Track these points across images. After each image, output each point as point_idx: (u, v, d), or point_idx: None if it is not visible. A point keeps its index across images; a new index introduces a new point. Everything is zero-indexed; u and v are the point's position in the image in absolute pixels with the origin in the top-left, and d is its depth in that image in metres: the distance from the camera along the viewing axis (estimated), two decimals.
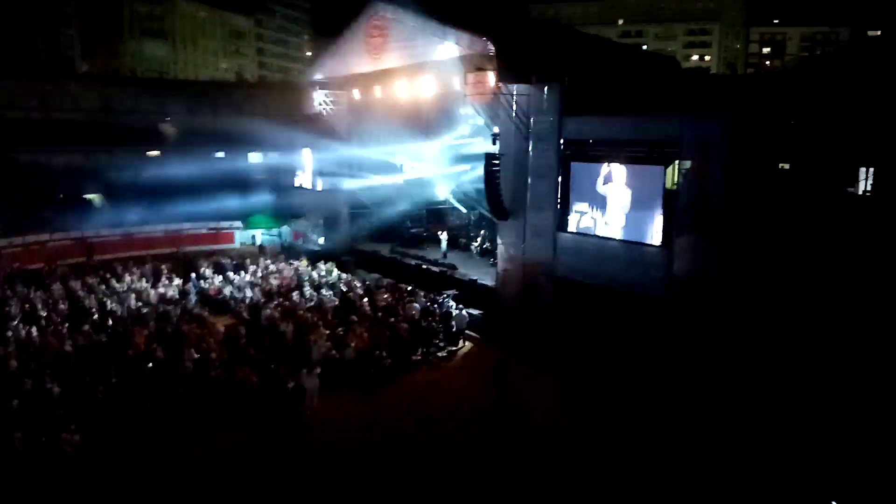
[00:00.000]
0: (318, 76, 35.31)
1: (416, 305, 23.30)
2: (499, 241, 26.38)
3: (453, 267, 29.60)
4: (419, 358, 20.66)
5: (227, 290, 26.03)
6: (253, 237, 41.38)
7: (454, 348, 21.73)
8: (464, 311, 23.08)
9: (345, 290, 26.02)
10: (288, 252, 36.73)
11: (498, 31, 25.24)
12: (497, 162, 24.46)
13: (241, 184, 42.85)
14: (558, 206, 23.54)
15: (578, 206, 23.23)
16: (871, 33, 79.09)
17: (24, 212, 36.49)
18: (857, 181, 19.71)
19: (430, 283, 27.14)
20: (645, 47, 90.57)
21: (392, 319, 21.93)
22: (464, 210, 33.98)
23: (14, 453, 13.64)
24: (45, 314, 22.19)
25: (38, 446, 13.86)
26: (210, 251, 36.64)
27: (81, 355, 18.68)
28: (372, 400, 18.04)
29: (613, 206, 21.90)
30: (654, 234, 20.74)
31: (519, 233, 24.93)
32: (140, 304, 24.05)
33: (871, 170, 19.25)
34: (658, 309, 19.71)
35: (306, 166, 38.74)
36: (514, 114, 24.14)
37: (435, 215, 37.52)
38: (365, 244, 36.03)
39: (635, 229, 21.33)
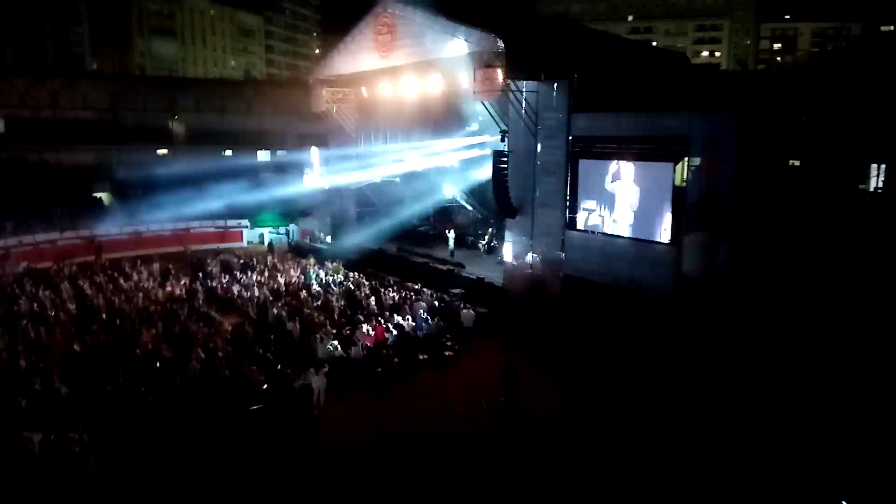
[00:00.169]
0: (326, 74, 35.25)
1: (423, 304, 23.22)
2: (506, 239, 26.28)
3: (461, 265, 29.53)
4: (427, 357, 20.57)
5: (235, 289, 26.05)
6: (261, 236, 41.48)
7: (461, 347, 21.63)
8: (471, 310, 22.97)
9: (352, 288, 25.98)
10: (295, 251, 36.78)
11: (506, 27, 25.08)
12: (505, 159, 24.37)
13: (248, 182, 42.92)
14: (566, 203, 23.39)
15: (587, 204, 23.06)
16: (883, 28, 78.34)
17: (34, 211, 36.70)
18: (868, 178, 19.49)
19: (437, 282, 27.06)
20: (654, 43, 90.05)
21: (399, 318, 21.86)
22: (470, 208, 33.88)
23: (23, 453, 13.67)
24: (53, 314, 22.24)
25: (47, 446, 13.88)
26: (218, 250, 36.68)
27: (89, 355, 18.72)
28: (380, 399, 17.98)
29: (622, 204, 21.73)
30: (663, 232, 20.56)
31: (527, 231, 24.83)
32: (148, 303, 24.08)
33: (883, 166, 19.02)
34: (667, 307, 19.56)
35: (314, 164, 38.75)
36: (522, 111, 24.02)
37: (442, 214, 37.44)
38: (372, 243, 35.98)
39: (644, 227, 21.15)
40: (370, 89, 32.50)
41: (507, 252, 26.21)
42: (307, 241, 40.02)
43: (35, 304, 23.28)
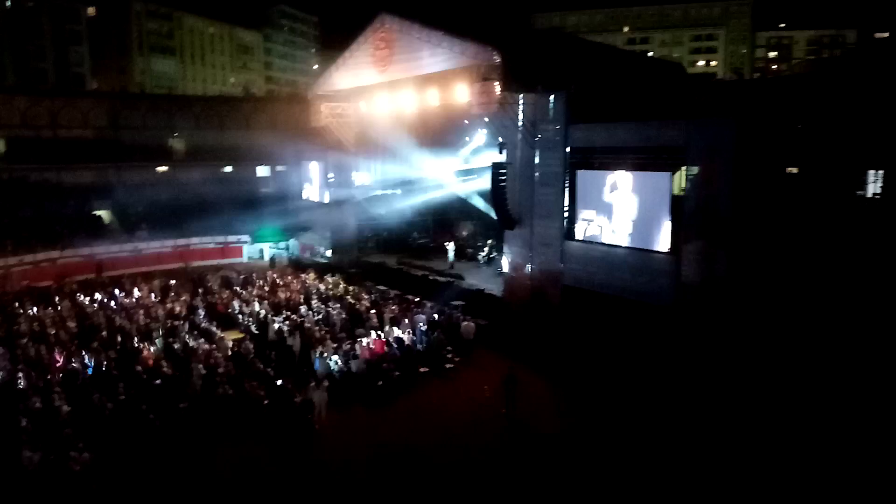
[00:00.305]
0: (325, 89, 35.45)
1: (423, 317, 23.21)
2: (506, 250, 26.31)
3: (460, 277, 29.53)
4: (427, 370, 20.52)
5: (236, 305, 26.04)
6: (261, 251, 41.51)
7: (462, 359, 21.58)
8: (471, 322, 22.94)
9: (352, 302, 25.97)
10: (295, 265, 36.79)
11: (503, 41, 25.24)
12: (504, 171, 24.45)
13: (248, 198, 43.05)
14: (565, 214, 23.44)
15: (585, 214, 23.12)
16: (878, 35, 78.69)
17: (34, 229, 36.76)
18: (866, 184, 19.53)
19: (437, 294, 27.04)
20: (651, 54, 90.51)
21: (399, 331, 21.83)
22: (475, 212, 33.89)
23: (23, 472, 13.62)
24: (53, 332, 22.24)
25: (47, 465, 13.83)
26: (218, 265, 36.70)
27: (90, 372, 18.70)
28: (381, 413, 17.93)
29: (620, 214, 21.78)
30: (662, 241, 20.59)
31: (526, 241, 24.87)
32: (148, 320, 24.07)
33: (881, 172, 19.06)
34: (667, 316, 19.54)
35: (313, 179, 38.84)
36: (520, 123, 24.12)
37: (442, 226, 37.49)
38: (372, 256, 36.03)
39: (643, 236, 21.19)
40: (369, 104, 32.66)
41: (507, 263, 26.23)
42: (307, 255, 40.05)
43: (35, 323, 23.28)
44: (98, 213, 43.42)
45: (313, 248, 40.61)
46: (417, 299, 26.48)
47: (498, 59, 23.54)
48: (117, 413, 15.98)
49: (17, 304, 26.02)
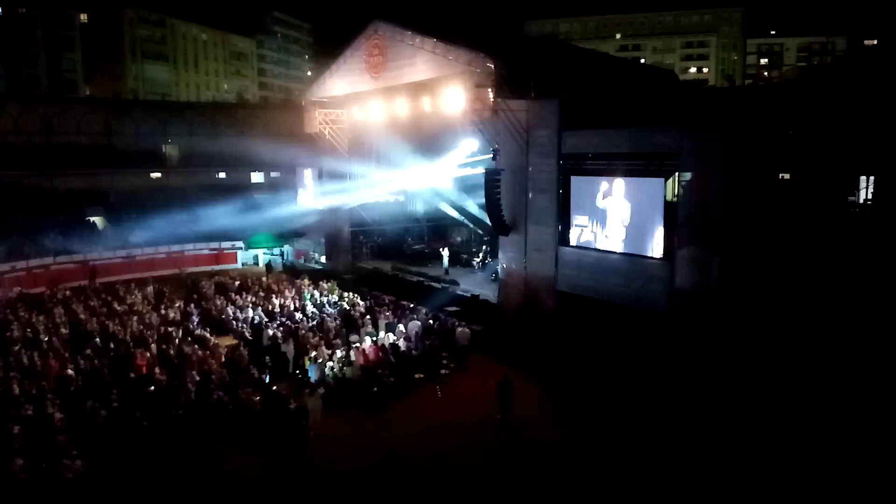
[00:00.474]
0: (318, 95, 35.50)
1: (419, 322, 23.23)
2: (500, 256, 26.37)
3: (455, 283, 29.56)
4: (422, 376, 20.52)
5: (230, 311, 26.00)
6: (255, 257, 41.46)
7: (457, 365, 21.60)
8: (466, 328, 22.97)
9: (347, 308, 25.97)
10: (290, 271, 36.77)
11: (496, 48, 25.39)
12: (498, 177, 24.53)
13: (242, 204, 43.02)
14: (559, 220, 23.52)
15: (579, 220, 23.20)
16: (867, 42, 79.46)
17: (27, 235, 36.63)
18: (857, 190, 19.69)
19: (432, 300, 27.06)
20: (643, 61, 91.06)
21: (394, 337, 21.84)
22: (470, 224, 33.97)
23: (15, 480, 13.53)
24: (46, 339, 22.14)
25: (40, 473, 13.75)
26: (212, 272, 36.65)
27: (83, 379, 18.62)
28: (376, 419, 17.91)
29: (613, 220, 21.86)
30: (655, 247, 20.68)
31: (520, 248, 24.92)
32: (142, 326, 24.01)
33: (872, 178, 19.23)
34: (661, 321, 19.63)
35: (308, 185, 38.87)
36: (513, 129, 24.21)
37: (436, 232, 37.56)
38: (366, 262, 36.03)
39: (636, 242, 21.27)
40: (362, 110, 32.72)
41: (502, 269, 26.29)
42: (302, 261, 40.03)
43: (28, 330, 23.18)
44: (91, 219, 43.32)
45: (308, 254, 40.63)
46: (412, 305, 26.49)
47: (491, 66, 23.65)
48: (111, 420, 15.91)
49: (8, 310, 25.89)
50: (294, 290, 29.52)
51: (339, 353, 20.36)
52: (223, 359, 20.48)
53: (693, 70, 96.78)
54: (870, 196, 19.58)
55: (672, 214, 19.96)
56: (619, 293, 21.33)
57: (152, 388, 17.79)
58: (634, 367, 18.91)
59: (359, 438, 16.70)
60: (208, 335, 23.30)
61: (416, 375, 20.39)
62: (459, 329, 22.72)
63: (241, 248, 41.64)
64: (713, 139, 18.71)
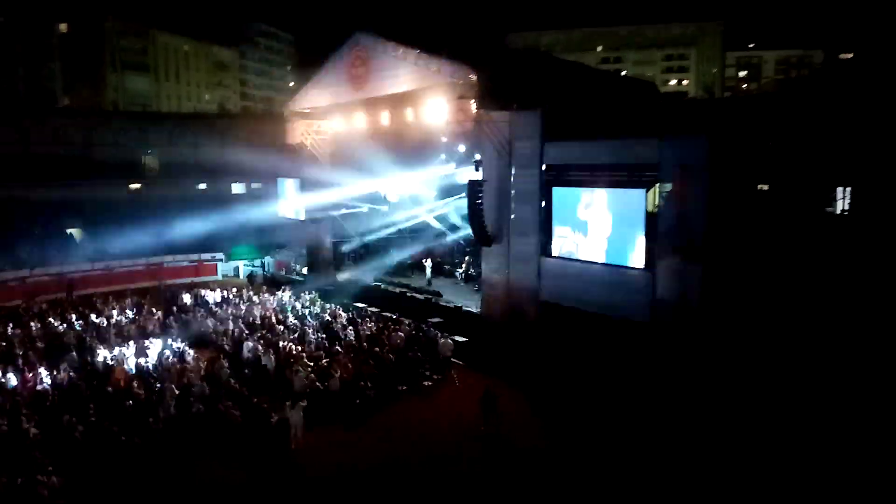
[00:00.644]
0: (300, 106, 35.41)
1: (401, 334, 23.11)
2: (483, 267, 26.36)
3: (438, 294, 29.48)
4: (405, 388, 20.39)
5: (210, 323, 25.70)
6: (236, 269, 41.10)
7: (440, 377, 21.50)
8: (449, 339, 22.89)
9: (329, 319, 25.79)
10: (271, 283, 36.48)
11: (479, 60, 25.48)
12: (480, 188, 24.55)
13: (223, 215, 42.62)
14: (541, 231, 23.57)
15: (561, 231, 23.28)
16: (842, 56, 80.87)
17: (1, 248, 36.04)
18: (834, 201, 19.92)
19: (414, 311, 26.96)
20: (624, 73, 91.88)
21: (377, 349, 21.70)
22: (449, 234, 33.98)
23: None
24: (21, 353, 21.73)
25: (15, 489, 13.44)
26: (192, 284, 36.25)
27: (60, 394, 18.28)
28: (358, 432, 17.74)
29: (595, 231, 21.96)
30: (637, 258, 20.78)
31: (503, 258, 24.93)
32: (120, 339, 23.66)
33: (849, 189, 19.47)
34: (643, 332, 19.68)
35: (289, 196, 38.67)
36: (496, 141, 24.28)
37: (419, 243, 37.42)
38: (348, 273, 35.83)
39: (618, 253, 21.37)
40: (344, 121, 32.69)
41: (484, 280, 26.26)
42: (283, 272, 39.74)
43: (3, 344, 22.74)
44: (69, 230, 42.71)
45: (289, 265, 40.34)
46: (395, 316, 26.36)
47: (474, 78, 23.73)
48: (88, 435, 15.63)
49: None
50: (275, 301, 29.29)
51: (320, 365, 20.13)
52: (203, 372, 20.22)
53: (673, 82, 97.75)
54: (847, 207, 19.82)
55: (653, 225, 20.09)
56: (601, 303, 21.36)
57: (130, 402, 17.51)
58: (617, 377, 18.93)
59: (341, 451, 16.53)
60: (187, 348, 23.02)
61: (399, 387, 20.28)
62: (442, 340, 22.65)
63: (221, 260, 41.26)
64: (693, 150, 18.87)
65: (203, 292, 31.49)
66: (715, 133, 20.18)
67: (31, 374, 19.38)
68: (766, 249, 18.53)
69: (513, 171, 24.12)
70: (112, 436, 15.60)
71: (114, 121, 51.46)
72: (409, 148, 30.83)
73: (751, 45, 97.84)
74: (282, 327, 24.90)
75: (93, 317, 26.74)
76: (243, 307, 28.40)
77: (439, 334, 23.30)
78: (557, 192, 23.27)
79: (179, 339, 23.83)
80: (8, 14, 62.26)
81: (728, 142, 20.77)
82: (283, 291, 31.32)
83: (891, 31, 58.46)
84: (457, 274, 33.17)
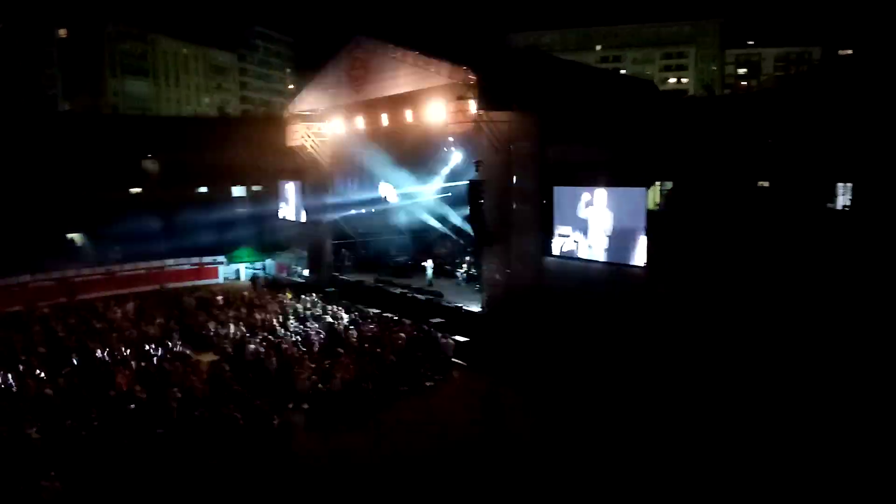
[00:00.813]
0: (300, 109, 35.43)
1: (403, 335, 23.10)
2: (484, 267, 26.34)
3: (439, 295, 29.46)
4: (407, 389, 20.38)
5: (211, 326, 25.70)
6: (237, 272, 41.11)
7: (441, 377, 21.49)
8: (450, 339, 22.88)
9: (330, 321, 25.78)
10: (272, 285, 36.49)
11: (478, 60, 25.47)
12: (481, 189, 24.55)
13: (224, 218, 42.68)
14: (542, 230, 23.57)
15: (562, 230, 23.29)
16: (841, 52, 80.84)
17: (4, 253, 36.03)
18: (835, 196, 19.93)
19: (416, 312, 26.96)
20: (623, 71, 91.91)
21: (378, 350, 21.70)
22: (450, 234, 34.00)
23: None
24: (24, 357, 21.74)
25: (16, 494, 13.44)
26: (194, 287, 36.25)
27: (62, 398, 18.28)
28: (360, 432, 17.72)
29: (596, 229, 21.97)
30: (638, 256, 20.77)
31: (504, 258, 24.92)
32: (122, 343, 23.65)
33: (850, 185, 19.47)
34: (644, 330, 19.66)
35: (289, 199, 38.69)
36: (496, 141, 24.28)
37: (420, 243, 37.47)
38: (349, 275, 35.85)
39: (619, 251, 21.37)
40: (344, 123, 32.69)
41: (485, 280, 26.25)
42: (284, 275, 39.75)
43: (5, 349, 22.74)
44: (69, 235, 42.74)
45: (290, 267, 40.35)
46: (396, 317, 26.35)
47: (473, 79, 23.73)
48: (90, 439, 15.62)
49: None
50: (276, 304, 29.29)
51: (323, 367, 20.10)
52: (205, 375, 20.22)
53: (672, 80, 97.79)
54: (848, 203, 19.82)
55: (654, 223, 20.08)
56: (603, 301, 21.36)
57: (133, 405, 17.50)
58: (619, 374, 18.91)
59: (343, 452, 16.50)
60: (189, 351, 23.02)
61: (401, 388, 20.27)
62: (444, 340, 22.64)
63: (222, 263, 41.28)
64: (693, 148, 18.88)
65: (205, 295, 31.49)
66: (714, 131, 20.21)
67: (32, 379, 19.37)
68: (768, 247, 18.53)
69: (513, 171, 24.12)
70: (114, 439, 15.60)
71: (113, 125, 51.46)
72: (408, 149, 30.84)
73: (750, 43, 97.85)
74: (283, 330, 24.88)
75: (94, 321, 26.74)
76: (244, 310, 28.39)
77: (441, 334, 23.29)
78: (558, 191, 23.31)
79: (181, 343, 23.84)
80: (8, 20, 62.36)
81: (728, 139, 20.77)
82: (285, 293, 31.31)
83: (889, 26, 58.46)
84: (458, 274, 33.14)
